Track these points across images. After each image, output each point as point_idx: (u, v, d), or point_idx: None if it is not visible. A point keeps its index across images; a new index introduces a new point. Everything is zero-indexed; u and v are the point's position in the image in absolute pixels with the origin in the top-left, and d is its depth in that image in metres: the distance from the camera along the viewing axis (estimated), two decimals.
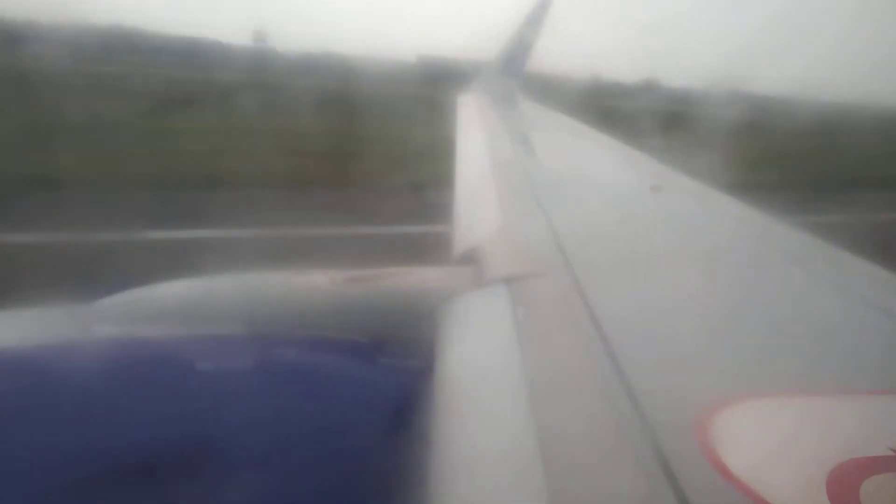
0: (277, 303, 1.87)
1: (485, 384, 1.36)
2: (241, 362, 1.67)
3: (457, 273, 2.03)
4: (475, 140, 4.62)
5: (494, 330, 1.55)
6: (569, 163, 4.24)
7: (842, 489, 0.97)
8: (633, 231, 2.48)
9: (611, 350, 1.37)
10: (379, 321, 1.86)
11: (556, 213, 2.54)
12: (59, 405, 1.54)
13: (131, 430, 1.50)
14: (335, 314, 1.86)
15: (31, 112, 13.76)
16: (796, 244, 2.43)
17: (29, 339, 1.64)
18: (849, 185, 15.76)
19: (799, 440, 1.13)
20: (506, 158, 3.88)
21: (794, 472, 1.03)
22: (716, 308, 1.73)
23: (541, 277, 1.83)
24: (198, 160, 12.79)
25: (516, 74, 7.87)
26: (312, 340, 1.82)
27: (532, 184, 3.16)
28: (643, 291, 1.81)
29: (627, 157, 4.38)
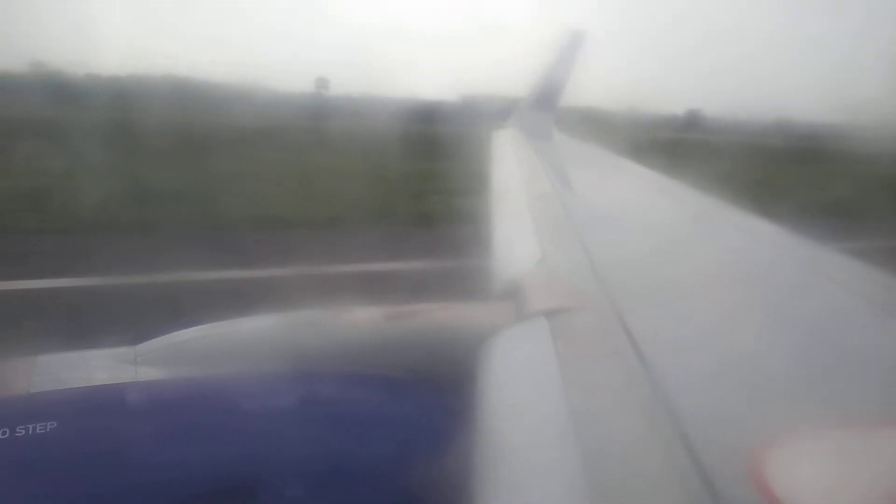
0: (320, 340, 1.89)
1: (528, 421, 1.34)
2: (285, 400, 1.68)
3: (496, 308, 2.02)
4: (511, 174, 4.64)
5: (537, 365, 1.54)
6: (606, 195, 4.22)
7: None
8: (675, 262, 2.45)
9: (657, 385, 1.35)
10: (420, 357, 1.86)
11: (594, 246, 2.52)
12: (106, 447, 1.57)
13: (178, 470, 1.52)
14: (377, 351, 1.87)
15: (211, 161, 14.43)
16: (846, 272, 2.36)
17: (74, 381, 1.68)
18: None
19: (857, 475, 1.09)
20: (542, 192, 3.89)
21: None
22: (764, 340, 1.69)
23: (582, 311, 1.81)
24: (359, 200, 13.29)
25: (550, 108, 7.90)
26: (355, 378, 1.83)
27: (569, 216, 3.15)
28: (688, 324, 1.78)
29: (666, 188, 4.34)
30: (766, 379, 1.44)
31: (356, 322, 1.95)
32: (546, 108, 7.84)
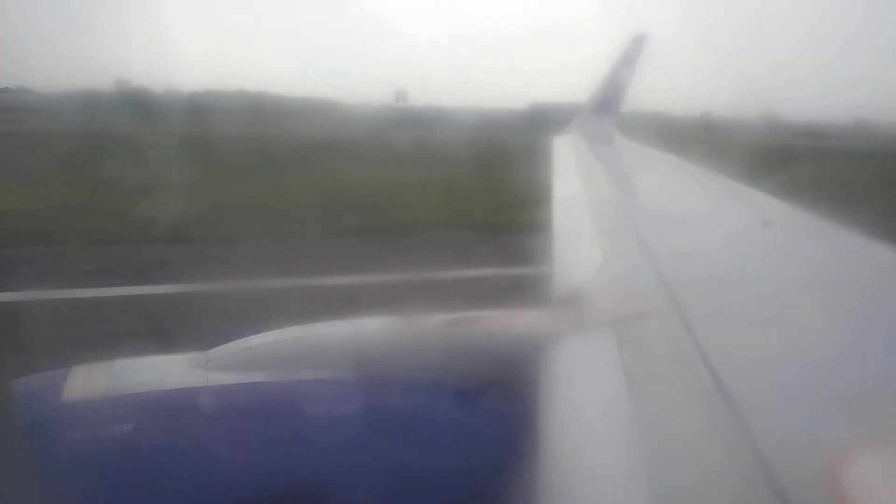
0: (384, 348, 1.91)
1: (593, 432, 1.33)
2: (352, 406, 1.71)
3: (559, 315, 2.01)
4: (571, 180, 4.60)
5: (601, 375, 1.52)
6: (671, 200, 4.13)
7: None
8: (745, 269, 2.38)
9: (728, 396, 1.31)
10: (482, 364, 1.86)
11: (659, 252, 2.47)
12: (179, 449, 1.63)
13: (248, 473, 1.57)
14: (440, 358, 1.88)
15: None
16: None
17: (149, 385, 1.75)
18: None
19: None
20: (603, 197, 3.84)
21: None
22: (839, 349, 1.62)
23: (648, 319, 1.78)
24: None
25: (611, 113, 7.80)
26: (420, 385, 1.84)
27: (632, 222, 3.10)
28: (759, 332, 1.72)
29: (735, 192, 4.21)
30: (841, 391, 1.39)
31: (421, 329, 1.97)
32: (608, 113, 7.75)
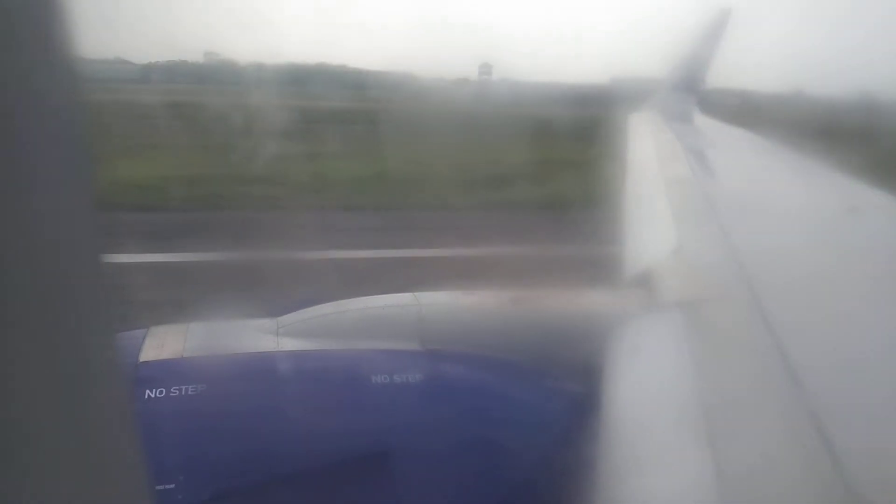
0: (448, 321, 1.92)
1: (658, 416, 1.30)
2: (412, 377, 1.73)
3: (628, 295, 1.97)
4: (648, 159, 4.47)
5: (669, 358, 1.48)
6: (751, 182, 3.96)
7: None
8: (828, 256, 2.26)
9: (803, 390, 1.25)
10: (546, 342, 1.84)
11: (737, 235, 2.38)
12: (249, 410, 1.69)
13: (312, 437, 1.61)
14: (503, 334, 1.88)
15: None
16: None
17: (222, 348, 1.82)
18: None
19: None
20: (681, 177, 3.71)
21: None
22: None
23: (721, 303, 1.72)
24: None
25: (693, 90, 7.52)
26: (482, 360, 1.85)
27: (710, 204, 2.99)
28: (836, 323, 1.64)
29: (820, 175, 4.00)
30: None
31: (485, 305, 1.97)
32: (689, 90, 7.47)
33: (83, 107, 0.47)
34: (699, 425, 1.17)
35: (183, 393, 1.62)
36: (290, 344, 1.86)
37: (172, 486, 1.46)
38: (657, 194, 3.30)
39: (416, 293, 2.05)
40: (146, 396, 1.59)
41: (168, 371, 1.69)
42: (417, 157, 15.97)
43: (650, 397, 1.38)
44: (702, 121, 6.96)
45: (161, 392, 1.61)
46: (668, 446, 1.18)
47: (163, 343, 1.78)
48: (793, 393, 1.24)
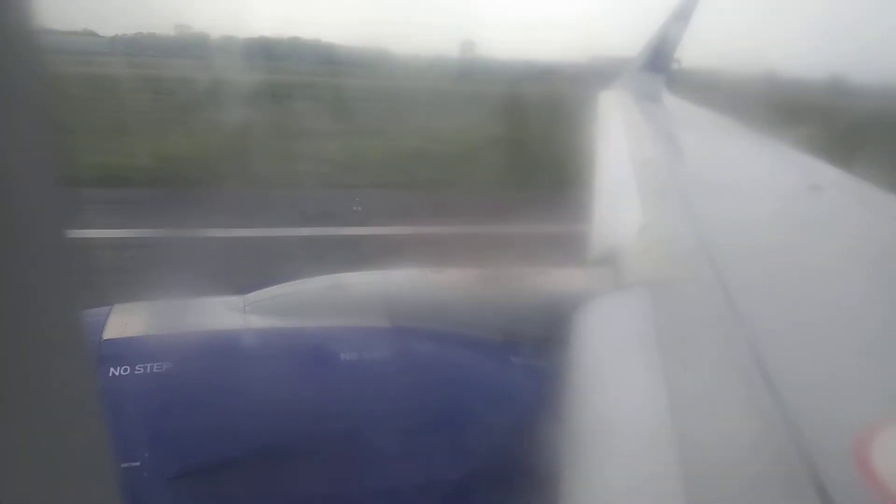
0: (416, 298, 1.93)
1: (622, 391, 1.33)
2: (382, 354, 1.74)
3: (594, 274, 1.99)
4: (616, 138, 4.50)
5: (634, 335, 1.51)
6: (718, 161, 4.02)
7: None
8: (790, 234, 2.31)
9: (762, 363, 1.29)
10: (513, 320, 1.86)
11: (702, 215, 2.42)
12: (214, 388, 1.68)
13: (280, 414, 1.61)
14: (471, 311, 1.89)
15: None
16: None
17: (188, 326, 1.81)
18: None
19: None
20: (648, 157, 3.75)
21: None
22: (883, 320, 1.58)
23: (686, 282, 1.76)
24: None
25: (662, 69, 7.55)
26: (449, 336, 1.86)
27: (676, 183, 3.03)
28: (800, 300, 1.68)
29: (784, 155, 4.07)
30: (879, 361, 1.35)
31: (454, 283, 1.98)
32: (658, 69, 7.50)
33: (48, 79, 0.46)
34: (663, 402, 1.20)
35: (148, 371, 1.60)
36: (256, 321, 1.86)
37: (137, 463, 1.46)
38: (625, 173, 3.33)
39: (384, 270, 2.05)
40: (110, 374, 1.58)
41: (132, 349, 1.67)
42: (389, 133, 15.87)
43: (615, 374, 1.41)
44: (670, 101, 7.01)
45: (125, 370, 1.59)
46: (632, 423, 1.21)
47: (127, 321, 1.76)
48: (756, 370, 1.28)
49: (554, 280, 1.97)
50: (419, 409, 1.69)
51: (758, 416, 1.14)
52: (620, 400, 1.30)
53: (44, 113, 0.45)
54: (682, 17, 7.46)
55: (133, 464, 1.45)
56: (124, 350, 1.66)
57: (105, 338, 1.69)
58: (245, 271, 6.31)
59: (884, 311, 1.64)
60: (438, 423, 1.68)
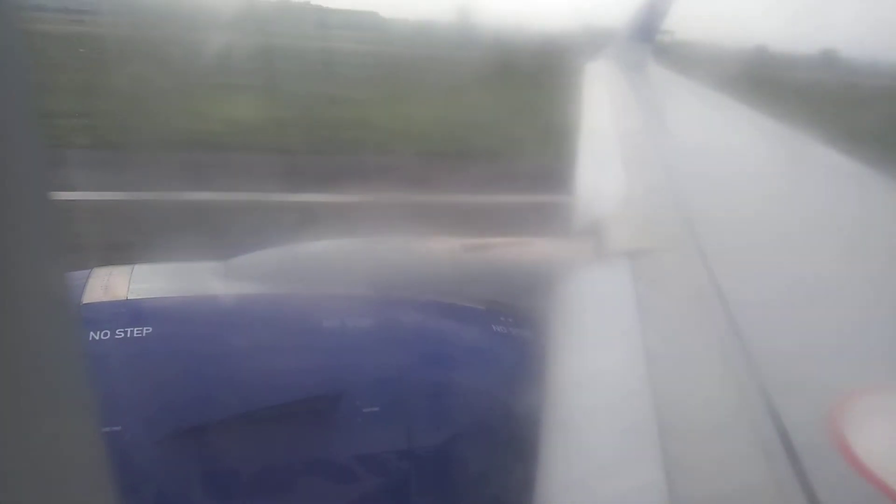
0: (400, 266, 1.94)
1: (602, 359, 1.35)
2: (364, 321, 1.75)
3: (577, 245, 2.00)
4: (601, 109, 4.48)
5: (615, 305, 1.53)
6: (701, 134, 4.02)
7: None
8: (770, 207, 2.34)
9: (739, 332, 1.31)
10: (496, 289, 1.88)
11: (685, 187, 2.43)
12: (196, 353, 1.68)
13: (261, 378, 1.62)
14: (454, 280, 1.90)
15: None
16: None
17: (169, 290, 1.80)
18: None
19: None
20: (633, 129, 3.75)
21: None
22: (856, 293, 1.61)
23: (667, 253, 1.77)
24: None
25: (649, 40, 7.50)
26: (432, 304, 1.87)
27: (660, 155, 3.04)
28: (777, 272, 1.71)
29: (767, 129, 4.09)
30: (853, 332, 1.38)
31: (437, 251, 1.98)
32: (645, 39, 7.45)
33: (24, 37, 0.45)
34: (643, 370, 1.22)
35: (128, 335, 1.60)
36: (238, 287, 1.85)
37: (119, 428, 1.46)
38: (609, 144, 3.33)
39: (366, 238, 2.05)
40: (90, 338, 1.57)
41: (112, 313, 1.67)
42: (373, 100, 15.68)
43: (598, 344, 1.42)
44: (657, 71, 6.97)
45: (106, 334, 1.59)
46: (613, 391, 1.23)
47: (107, 284, 1.75)
48: (733, 339, 1.30)
49: (537, 250, 1.98)
50: (401, 376, 1.71)
51: (734, 384, 1.16)
52: (601, 369, 1.32)
53: (22, 71, 0.44)
54: None
55: (114, 428, 1.45)
56: (104, 314, 1.65)
57: (85, 301, 1.68)
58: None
59: (860, 282, 1.67)
60: (420, 390, 1.70)
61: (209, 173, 9.13)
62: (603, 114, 4.28)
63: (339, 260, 1.97)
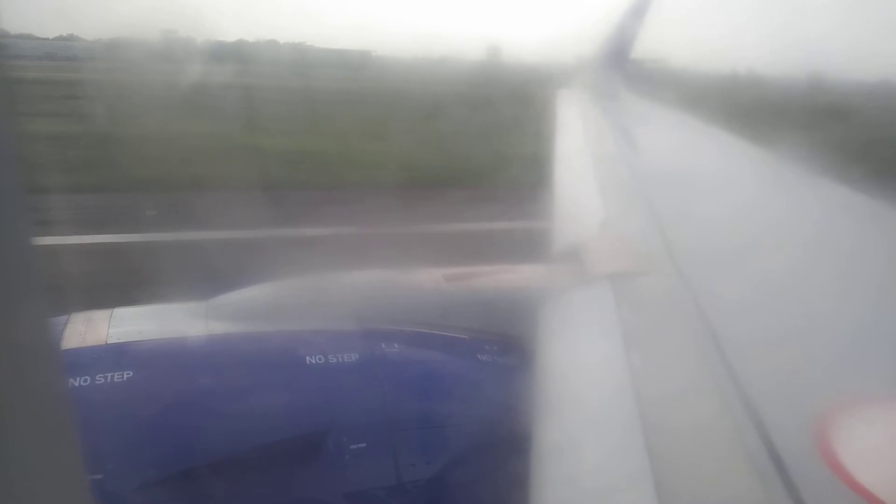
0: (383, 300, 1.93)
1: (589, 384, 1.35)
2: (350, 356, 1.74)
3: (558, 270, 2.02)
4: (575, 135, 4.54)
5: (598, 328, 1.53)
6: (676, 158, 4.08)
7: None
8: (747, 228, 2.37)
9: (723, 351, 1.32)
10: (480, 318, 1.88)
11: (662, 210, 2.46)
12: (178, 396, 1.66)
13: (246, 420, 1.60)
14: (438, 311, 1.90)
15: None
16: None
17: (149, 333, 1.77)
18: None
19: None
20: (607, 153, 3.79)
21: None
22: (837, 309, 1.63)
23: (647, 275, 1.79)
24: None
25: (619, 67, 7.62)
26: (416, 336, 1.87)
27: (636, 179, 3.07)
28: (758, 291, 1.73)
29: (741, 151, 4.16)
30: (836, 347, 1.40)
31: (420, 283, 1.98)
32: (616, 67, 7.56)
33: (7, 85, 0.45)
34: (629, 394, 1.22)
35: (108, 381, 1.58)
36: (220, 327, 1.83)
37: (100, 476, 1.43)
38: (585, 170, 3.36)
39: (349, 272, 2.05)
40: (70, 385, 1.54)
41: (92, 358, 1.64)
42: (360, 134, 15.78)
43: (582, 368, 1.43)
44: (628, 98, 7.08)
45: (86, 380, 1.56)
46: (599, 416, 1.23)
47: (86, 329, 1.73)
48: (718, 361, 1.31)
49: (518, 277, 1.99)
50: (387, 410, 1.69)
51: (719, 401, 1.17)
52: (587, 393, 1.32)
53: (8, 121, 0.44)
54: (637, 13, 7.54)
55: (96, 476, 1.42)
56: (83, 359, 1.63)
57: (64, 347, 1.66)
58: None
59: (842, 296, 1.70)
60: (407, 423, 1.69)
61: (191, 213, 9.08)
62: (577, 141, 4.34)
63: (320, 295, 1.97)
